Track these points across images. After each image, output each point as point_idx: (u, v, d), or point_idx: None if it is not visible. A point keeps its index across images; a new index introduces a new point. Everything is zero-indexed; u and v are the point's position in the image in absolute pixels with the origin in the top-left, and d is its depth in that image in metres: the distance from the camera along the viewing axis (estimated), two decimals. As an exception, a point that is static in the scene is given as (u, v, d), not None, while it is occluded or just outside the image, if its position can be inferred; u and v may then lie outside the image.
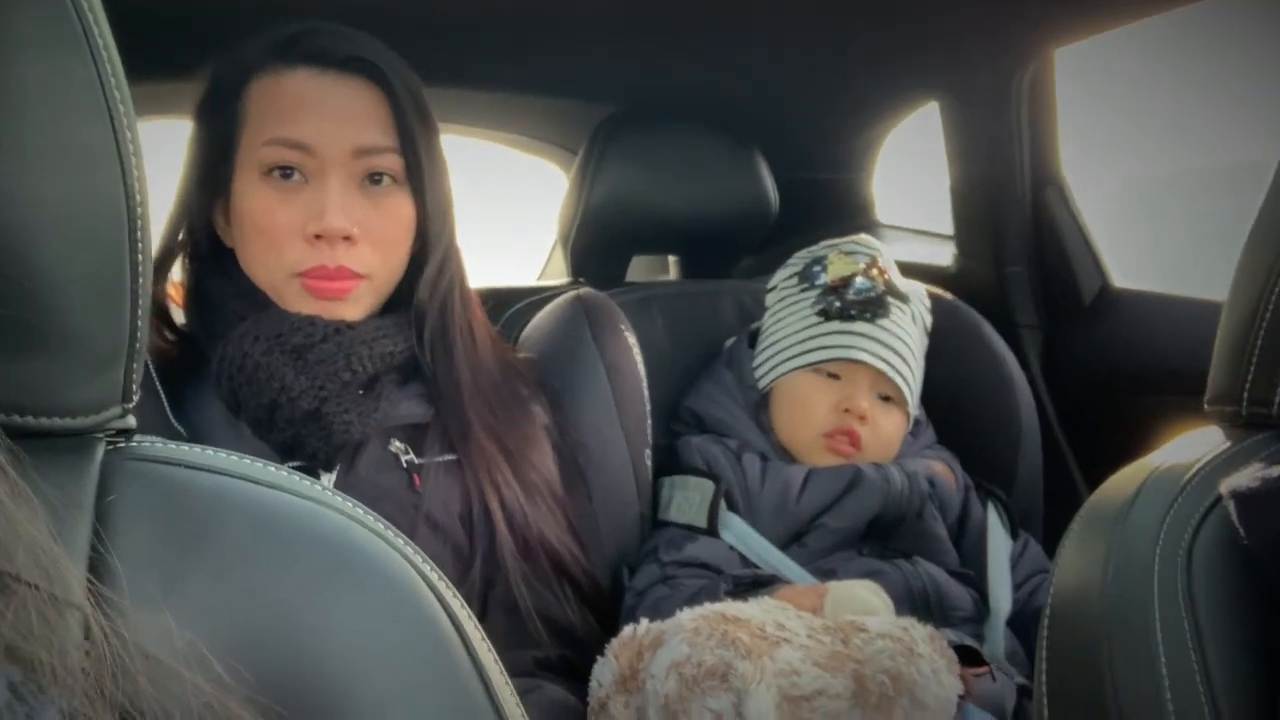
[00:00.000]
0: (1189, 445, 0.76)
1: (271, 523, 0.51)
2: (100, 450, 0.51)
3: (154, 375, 1.11)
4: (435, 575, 0.53)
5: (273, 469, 0.54)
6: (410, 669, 0.50)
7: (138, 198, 0.49)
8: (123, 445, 0.53)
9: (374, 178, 1.13)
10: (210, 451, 0.53)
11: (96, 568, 0.47)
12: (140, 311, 0.50)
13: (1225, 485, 0.67)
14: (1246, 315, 0.74)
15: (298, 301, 1.11)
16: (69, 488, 0.48)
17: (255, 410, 1.08)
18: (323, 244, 1.09)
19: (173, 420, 1.11)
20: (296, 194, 1.10)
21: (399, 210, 1.14)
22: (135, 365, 0.51)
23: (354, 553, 0.52)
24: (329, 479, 1.11)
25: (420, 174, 1.14)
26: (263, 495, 0.52)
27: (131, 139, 0.48)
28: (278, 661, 0.48)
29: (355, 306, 1.13)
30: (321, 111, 1.10)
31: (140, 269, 0.50)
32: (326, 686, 0.48)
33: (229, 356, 1.09)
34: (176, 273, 1.19)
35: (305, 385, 1.07)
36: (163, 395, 1.12)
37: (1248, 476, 0.66)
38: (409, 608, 0.51)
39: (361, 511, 0.54)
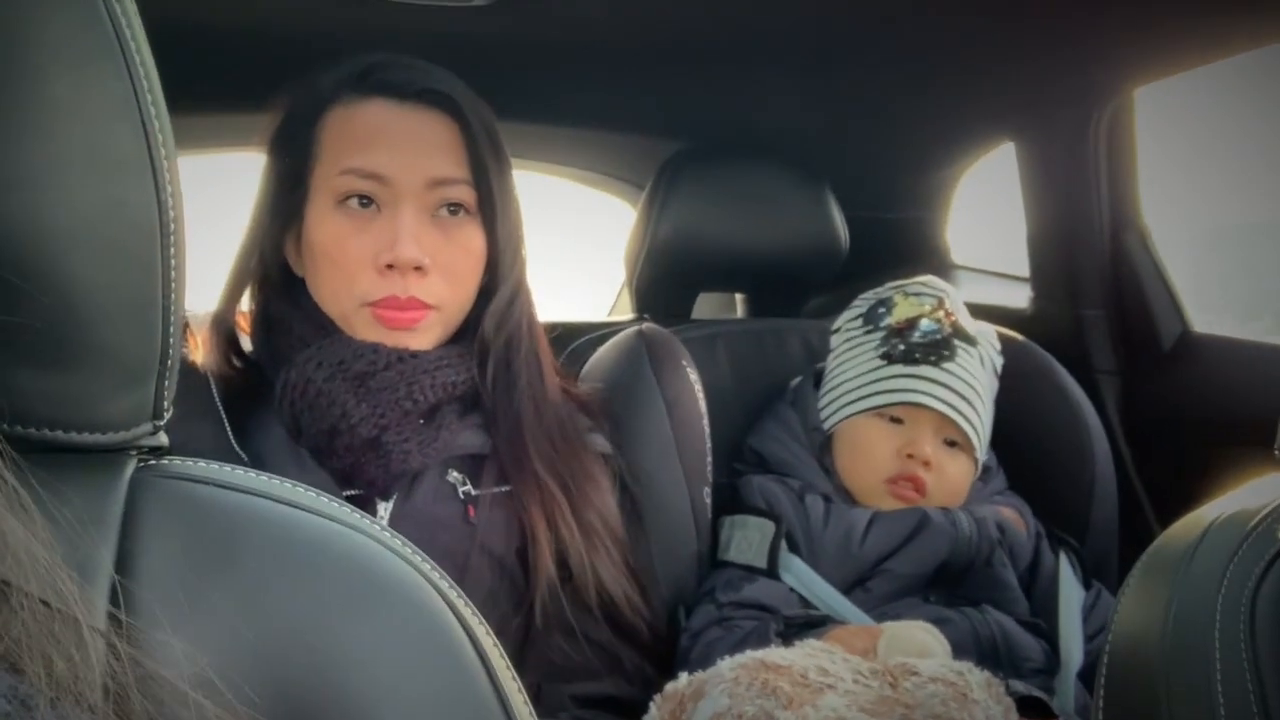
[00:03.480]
0: (1255, 492, 0.73)
1: (295, 543, 0.51)
2: (130, 467, 0.51)
3: (218, 401, 1.13)
4: (459, 600, 0.52)
5: (300, 489, 0.53)
6: (431, 694, 0.49)
7: (171, 212, 0.49)
8: (154, 463, 0.53)
9: (448, 209, 1.14)
10: (239, 471, 0.53)
11: (119, 584, 0.47)
12: (172, 327, 0.50)
13: None
14: None
15: (367, 330, 1.12)
16: (95, 503, 0.48)
17: (315, 436, 1.09)
18: (394, 274, 1.10)
19: (235, 446, 1.12)
20: (369, 224, 1.11)
21: (471, 242, 1.15)
22: (168, 382, 0.51)
23: (378, 575, 0.51)
24: (386, 507, 1.11)
25: (493, 206, 1.15)
26: (287, 515, 0.51)
27: (166, 154, 0.49)
28: (297, 683, 0.47)
29: (424, 337, 1.13)
30: (396, 142, 1.12)
31: (173, 283, 0.50)
32: (345, 708, 0.48)
33: (292, 381, 1.10)
34: (245, 303, 1.21)
35: (366, 412, 1.08)
36: (226, 421, 1.13)
37: None
38: (431, 632, 0.51)
39: (388, 535, 0.53)
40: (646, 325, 1.45)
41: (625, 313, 2.01)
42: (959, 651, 1.11)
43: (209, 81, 1.48)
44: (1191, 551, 0.70)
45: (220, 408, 1.13)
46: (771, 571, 1.29)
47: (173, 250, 0.50)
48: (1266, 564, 0.66)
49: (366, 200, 1.11)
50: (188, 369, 1.15)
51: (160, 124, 0.49)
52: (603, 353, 1.42)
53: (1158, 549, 0.74)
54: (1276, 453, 0.76)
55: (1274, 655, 0.63)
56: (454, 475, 1.14)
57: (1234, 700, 0.62)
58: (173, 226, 0.49)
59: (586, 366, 1.43)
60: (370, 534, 0.52)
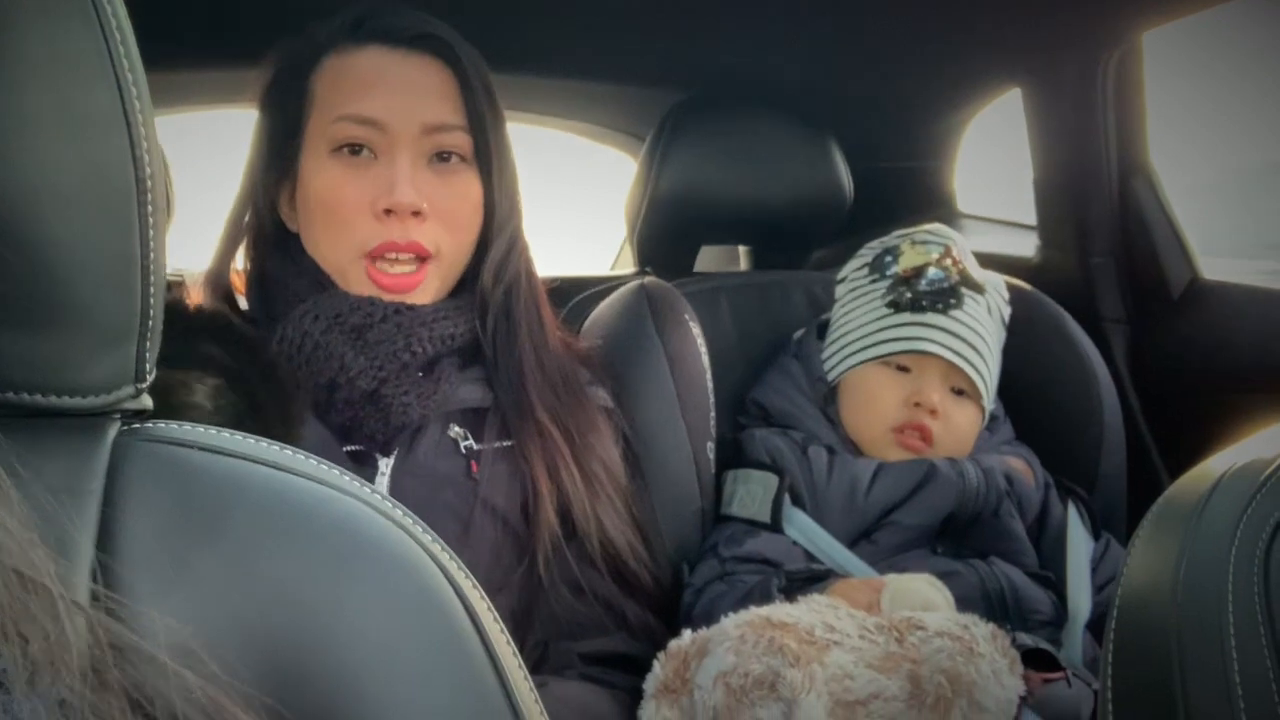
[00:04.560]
0: (1268, 441, 0.72)
1: (284, 507, 0.49)
2: (113, 431, 0.50)
3: None
4: (452, 563, 0.51)
5: (288, 452, 0.52)
6: (422, 658, 0.48)
7: (147, 169, 0.47)
8: (137, 426, 0.51)
9: (442, 156, 1.13)
10: (226, 434, 0.52)
11: (103, 552, 0.46)
12: (153, 286, 0.49)
13: None
14: None
15: (361, 287, 1.12)
16: (76, 469, 0.47)
17: (314, 391, 1.09)
18: (393, 220, 1.09)
19: None
20: (366, 170, 1.10)
21: (467, 189, 1.14)
22: (150, 344, 0.50)
23: (368, 539, 0.50)
24: (387, 463, 1.10)
25: (489, 155, 1.14)
26: (276, 479, 0.50)
27: (141, 109, 0.47)
28: (287, 650, 0.47)
29: (422, 292, 1.13)
30: (391, 88, 1.11)
31: (151, 241, 0.48)
32: (336, 675, 0.47)
33: (289, 336, 1.09)
34: (239, 260, 1.20)
35: (364, 365, 1.08)
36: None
37: None
38: (423, 596, 0.50)
39: (380, 499, 0.52)
40: (648, 279, 1.44)
41: (627, 267, 1.99)
42: (966, 604, 1.10)
43: (201, 37, 1.46)
44: (1203, 503, 0.68)
45: None
46: (775, 525, 1.28)
47: (150, 208, 0.48)
48: None
49: (362, 148, 1.11)
50: None
51: (135, 78, 0.47)
52: (604, 308, 1.41)
53: (1168, 500, 0.73)
54: None
55: None
56: (455, 430, 1.14)
57: (1248, 652, 0.61)
58: (149, 184, 0.48)
59: (588, 322, 1.41)
60: (362, 498, 0.51)
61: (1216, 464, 0.72)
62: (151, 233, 0.48)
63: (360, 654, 0.47)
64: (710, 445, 1.33)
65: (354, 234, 1.10)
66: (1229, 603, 0.63)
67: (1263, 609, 0.62)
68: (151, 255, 0.49)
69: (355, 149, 1.11)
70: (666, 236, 1.68)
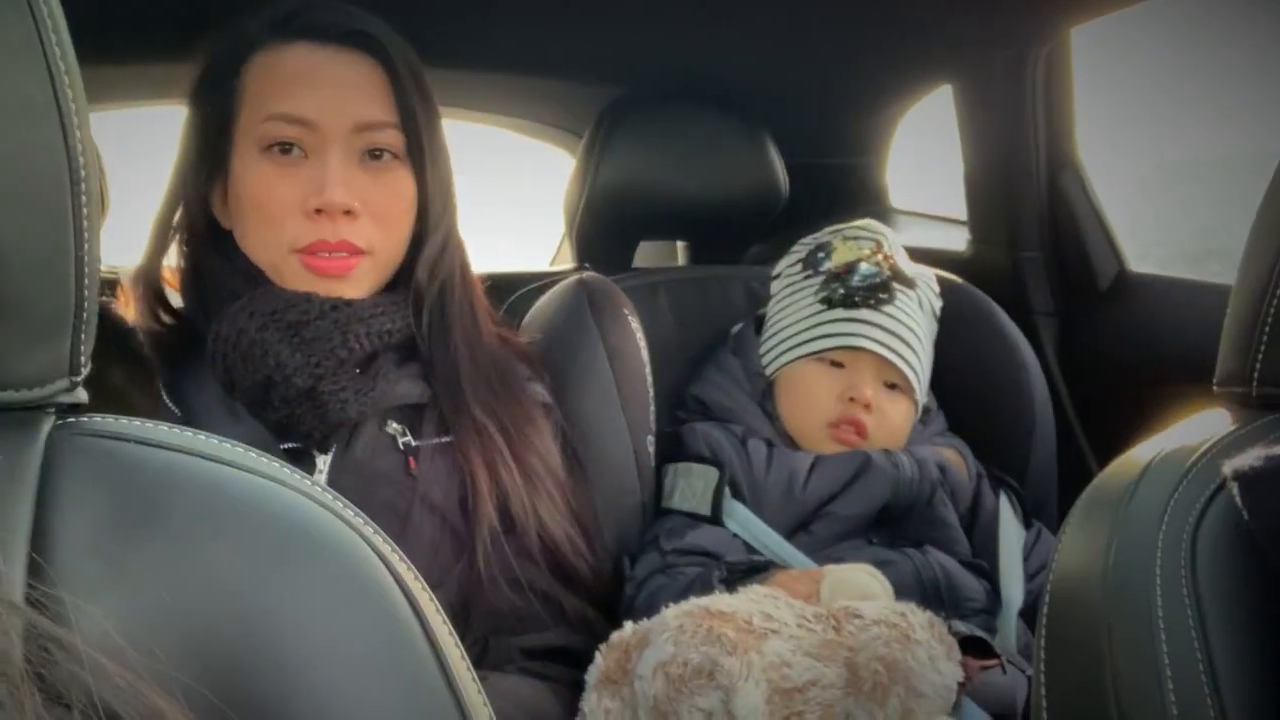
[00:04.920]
0: (1196, 427, 0.74)
1: (222, 500, 0.49)
2: (47, 425, 0.49)
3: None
4: (393, 554, 0.51)
5: (227, 445, 0.52)
6: (364, 648, 0.48)
7: (80, 159, 0.47)
8: (71, 420, 0.51)
9: (374, 153, 1.12)
10: (163, 427, 0.51)
11: (37, 547, 0.45)
12: (86, 279, 0.48)
13: (1229, 466, 0.64)
14: (1256, 294, 0.71)
15: (297, 280, 1.10)
16: (10, 464, 0.46)
17: (250, 389, 1.07)
18: (323, 219, 1.08)
19: (168, 403, 1.10)
20: (296, 169, 1.09)
21: (399, 186, 1.13)
22: (85, 336, 0.49)
23: (308, 530, 0.50)
24: (325, 460, 1.10)
25: (421, 151, 1.13)
26: (214, 472, 0.50)
27: (74, 98, 0.46)
28: (227, 641, 0.46)
29: (357, 285, 1.12)
30: (320, 86, 1.10)
31: (85, 233, 0.48)
32: (277, 666, 0.46)
33: (224, 333, 1.08)
34: (172, 257, 1.18)
35: (300, 362, 1.06)
36: (159, 378, 1.11)
37: (1252, 456, 0.63)
38: (363, 586, 0.49)
39: (319, 490, 0.52)
40: (587, 274, 1.44)
41: (566, 264, 1.99)
42: (902, 592, 1.12)
43: (129, 32, 1.43)
44: (1132, 489, 0.70)
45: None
46: (715, 518, 1.29)
47: (84, 199, 0.47)
48: (1207, 500, 0.66)
49: (292, 147, 1.09)
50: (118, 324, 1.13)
51: (67, 67, 0.46)
52: (543, 303, 1.41)
53: (1098, 487, 0.74)
54: (1215, 388, 0.76)
55: (1214, 591, 0.63)
56: (393, 426, 1.13)
57: (1175, 632, 0.62)
58: (83, 174, 0.47)
59: (527, 317, 1.41)
60: (300, 489, 0.51)
61: (1144, 451, 0.74)
62: (85, 224, 0.48)
63: (301, 645, 0.47)
64: (650, 439, 1.34)
65: (285, 232, 1.09)
66: (1157, 585, 0.65)
67: (1190, 590, 0.64)
68: (85, 247, 0.48)
69: (286, 148, 1.09)
70: (605, 232, 1.68)
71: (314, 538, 0.50)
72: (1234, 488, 0.63)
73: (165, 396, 1.10)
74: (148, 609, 0.45)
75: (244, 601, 0.47)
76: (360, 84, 1.11)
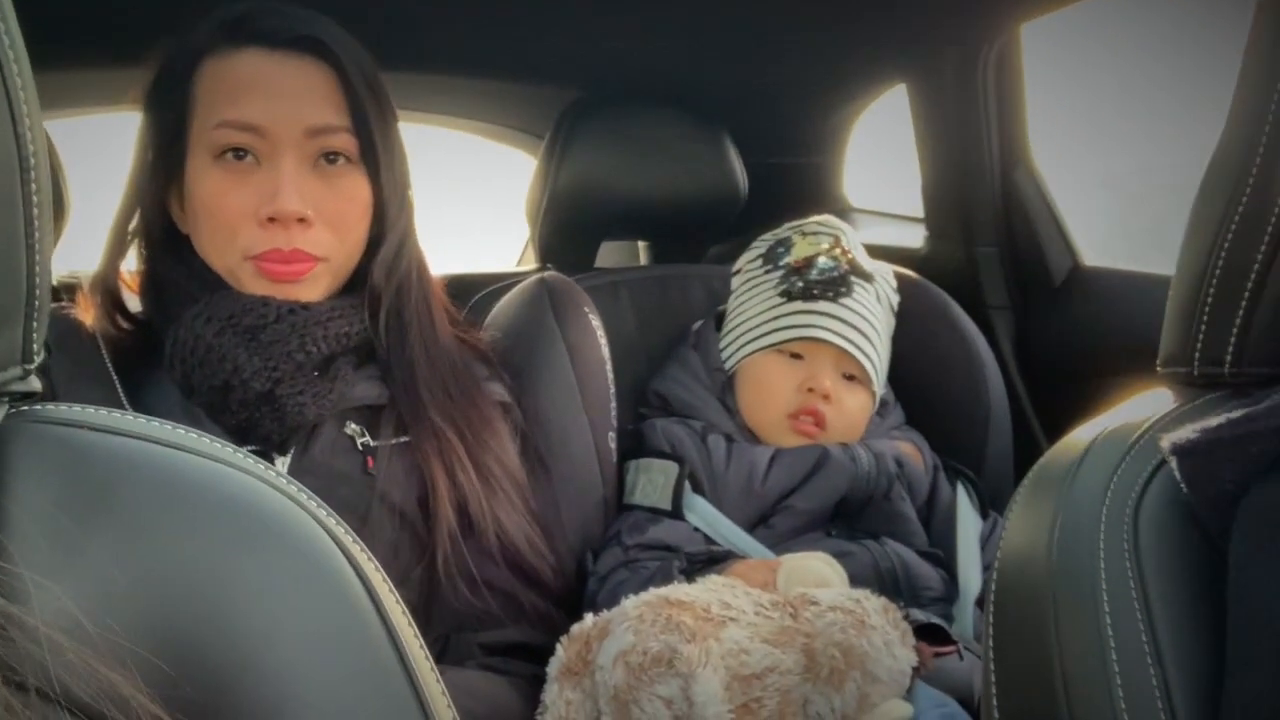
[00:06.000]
0: (1139, 407, 0.75)
1: (176, 485, 0.50)
2: (0, 413, 0.50)
3: (108, 362, 1.10)
4: (347, 536, 0.52)
5: (180, 430, 0.52)
6: (318, 633, 0.49)
7: (30, 147, 0.47)
8: (25, 408, 0.51)
9: (328, 158, 1.11)
10: (117, 414, 0.52)
11: None
12: (38, 267, 0.48)
13: (1167, 440, 0.65)
14: (1195, 275, 0.73)
15: (253, 284, 1.10)
16: None
17: (208, 393, 1.07)
18: (277, 227, 1.07)
19: (127, 407, 1.10)
20: (249, 176, 1.08)
21: (354, 191, 1.12)
22: (37, 324, 0.50)
23: (262, 515, 0.50)
24: (283, 462, 1.09)
25: (375, 155, 1.12)
26: (167, 457, 0.50)
27: (23, 85, 0.46)
28: (182, 623, 0.47)
29: (313, 288, 1.11)
30: (271, 92, 1.08)
31: (35, 222, 0.48)
32: (232, 649, 0.47)
33: (181, 338, 1.07)
34: (130, 261, 1.18)
35: (258, 366, 1.06)
36: (118, 383, 1.10)
37: (1189, 430, 0.64)
38: (318, 571, 0.50)
39: (274, 474, 0.52)
40: (549, 273, 1.45)
41: (529, 265, 1.99)
42: (860, 582, 1.13)
43: (81, 37, 1.43)
44: (1076, 467, 0.71)
45: (110, 368, 1.10)
46: (676, 512, 1.30)
47: (34, 186, 0.47)
48: (1149, 476, 0.68)
49: (245, 153, 1.08)
50: (76, 330, 1.13)
51: (16, 55, 0.47)
52: (505, 302, 1.42)
53: (1043, 466, 0.76)
54: (1159, 369, 0.78)
55: (1157, 564, 0.65)
56: (352, 427, 1.13)
57: (1119, 607, 0.64)
58: (33, 161, 0.47)
59: (490, 316, 1.42)
60: (255, 473, 0.52)
61: (1087, 431, 0.75)
62: (36, 211, 0.48)
63: (255, 628, 0.47)
64: (612, 435, 1.35)
65: (238, 240, 1.08)
66: (1100, 560, 0.66)
67: (1133, 565, 0.65)
68: (36, 234, 0.48)
69: (239, 154, 1.08)
70: (567, 233, 1.69)
71: (268, 520, 0.50)
72: (1172, 461, 0.65)
73: (125, 402, 1.10)
74: (102, 591, 0.46)
75: (198, 582, 0.48)
76: (311, 88, 1.10)
